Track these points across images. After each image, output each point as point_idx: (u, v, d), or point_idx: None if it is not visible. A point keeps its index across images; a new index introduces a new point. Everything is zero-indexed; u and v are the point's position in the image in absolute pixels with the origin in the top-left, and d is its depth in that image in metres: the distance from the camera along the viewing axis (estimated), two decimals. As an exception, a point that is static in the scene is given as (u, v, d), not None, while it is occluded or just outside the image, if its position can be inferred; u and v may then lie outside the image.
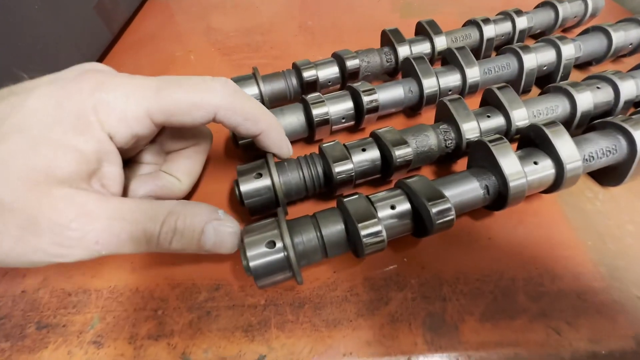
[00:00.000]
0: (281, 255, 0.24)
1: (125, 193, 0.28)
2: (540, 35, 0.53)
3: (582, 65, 0.47)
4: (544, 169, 0.29)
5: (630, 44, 0.45)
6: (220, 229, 0.25)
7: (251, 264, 0.24)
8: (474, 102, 0.39)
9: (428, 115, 0.42)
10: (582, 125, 0.36)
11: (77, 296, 0.29)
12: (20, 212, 0.20)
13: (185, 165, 0.31)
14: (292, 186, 0.30)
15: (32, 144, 0.20)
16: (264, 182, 0.29)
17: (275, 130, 0.29)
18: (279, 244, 0.24)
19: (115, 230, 0.22)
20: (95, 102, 0.22)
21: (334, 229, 0.26)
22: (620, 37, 0.43)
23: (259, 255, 0.24)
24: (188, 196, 0.35)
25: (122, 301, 0.29)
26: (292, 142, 0.39)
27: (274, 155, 0.31)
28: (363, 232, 0.24)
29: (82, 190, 0.22)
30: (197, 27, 0.65)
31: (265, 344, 0.26)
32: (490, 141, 0.29)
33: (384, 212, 0.26)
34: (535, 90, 0.44)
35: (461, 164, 0.37)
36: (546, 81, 0.44)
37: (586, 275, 0.28)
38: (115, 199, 0.23)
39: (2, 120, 0.20)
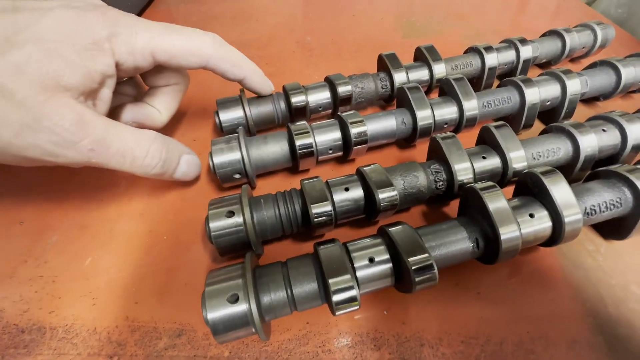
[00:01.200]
0: (243, 310, 0.22)
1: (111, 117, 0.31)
2: (546, 65, 0.50)
3: (589, 99, 0.45)
4: (540, 222, 0.26)
5: (641, 80, 0.42)
6: (190, 161, 0.33)
7: (209, 316, 0.22)
8: (471, 135, 0.37)
9: (423, 147, 0.40)
10: (585, 169, 0.33)
11: (31, 334, 0.27)
12: (26, 109, 0.23)
13: (166, 100, 0.35)
14: (267, 226, 0.28)
15: (46, 53, 0.23)
16: (236, 221, 0.27)
17: (256, 73, 0.35)
18: (242, 298, 0.22)
19: (107, 143, 0.26)
20: (110, 33, 0.26)
21: (306, 282, 0.24)
22: (630, 73, 0.41)
23: (219, 309, 0.22)
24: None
25: (76, 343, 0.27)
26: (275, 172, 0.38)
27: (261, 93, 0.38)
28: (334, 288, 0.22)
29: (81, 103, 0.25)
30: (194, 38, 0.63)
31: (223, 404, 0.24)
32: (482, 189, 0.27)
33: (361, 264, 0.24)
34: (537, 125, 0.42)
35: (454, 205, 0.34)
36: (550, 116, 0.41)
37: (582, 343, 0.26)
38: (107, 119, 0.27)
39: (17, 31, 0.23)
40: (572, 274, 0.30)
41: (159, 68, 0.33)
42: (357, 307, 0.22)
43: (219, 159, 0.32)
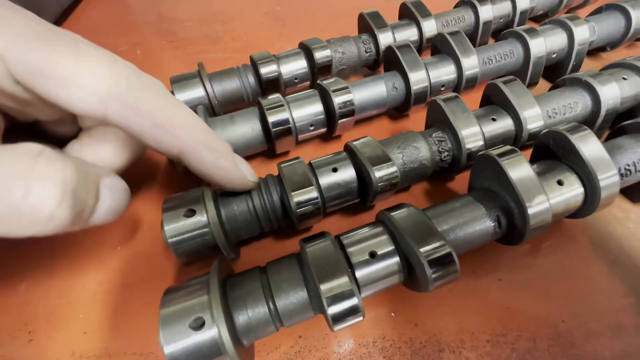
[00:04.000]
0: (212, 336, 0.17)
1: None
2: (543, 18, 0.46)
3: (593, 51, 0.40)
4: (571, 189, 0.22)
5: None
6: (115, 186, 0.19)
7: (167, 350, 0.16)
8: (472, 99, 0.32)
9: (417, 116, 0.35)
10: (605, 126, 0.29)
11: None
12: None
13: (102, 149, 0.21)
14: (240, 224, 0.23)
15: None
16: (198, 220, 0.21)
17: (207, 148, 0.19)
18: (208, 322, 0.17)
19: None
20: None
21: (291, 291, 0.18)
22: (640, 16, 0.37)
23: (180, 339, 0.17)
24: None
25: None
26: (249, 158, 0.32)
27: (225, 187, 0.22)
28: (328, 295, 0.17)
29: None
30: (147, 15, 0.56)
31: None
32: (500, 155, 0.22)
33: (360, 261, 0.19)
34: (542, 83, 0.37)
35: (461, 179, 0.29)
36: (554, 71, 0.37)
37: (628, 329, 0.22)
38: None
39: None
40: (602, 246, 0.25)
41: None
42: (360, 319, 0.17)
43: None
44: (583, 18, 0.36)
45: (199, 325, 0.17)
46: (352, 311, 0.17)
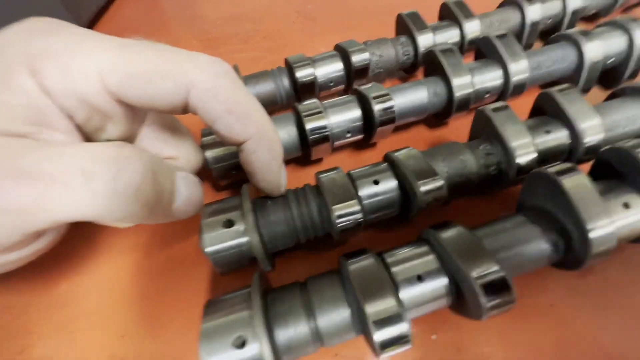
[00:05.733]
0: (254, 356, 0.16)
1: None
2: (594, 18, 0.43)
3: (653, 55, 0.37)
4: (638, 212, 0.20)
5: None
6: (189, 179, 0.20)
7: (210, 366, 0.16)
8: (517, 105, 0.30)
9: (457, 123, 0.33)
10: (671, 140, 0.27)
11: (-6, 382, 0.22)
12: None
13: None
14: (277, 235, 0.22)
15: None
16: (237, 231, 0.21)
17: (269, 144, 0.20)
18: (250, 341, 0.16)
19: (19, 173, 0.15)
20: (31, 47, 0.17)
21: (334, 311, 0.18)
22: None
23: (220, 357, 0.16)
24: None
25: (49, 392, 0.21)
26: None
27: (261, 188, 0.22)
28: (375, 319, 0.16)
29: None
30: (180, 15, 0.56)
31: None
32: (558, 173, 0.20)
33: (406, 286, 0.18)
34: (594, 90, 0.34)
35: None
36: (609, 77, 0.34)
37: (700, 369, 0.20)
38: (28, 140, 0.17)
39: None
40: (667, 273, 0.23)
41: (153, 134, 0.22)
42: (408, 347, 0.16)
43: (213, 152, 0.26)
44: (645, 19, 0.33)
45: (240, 343, 0.17)
46: (400, 338, 0.16)
